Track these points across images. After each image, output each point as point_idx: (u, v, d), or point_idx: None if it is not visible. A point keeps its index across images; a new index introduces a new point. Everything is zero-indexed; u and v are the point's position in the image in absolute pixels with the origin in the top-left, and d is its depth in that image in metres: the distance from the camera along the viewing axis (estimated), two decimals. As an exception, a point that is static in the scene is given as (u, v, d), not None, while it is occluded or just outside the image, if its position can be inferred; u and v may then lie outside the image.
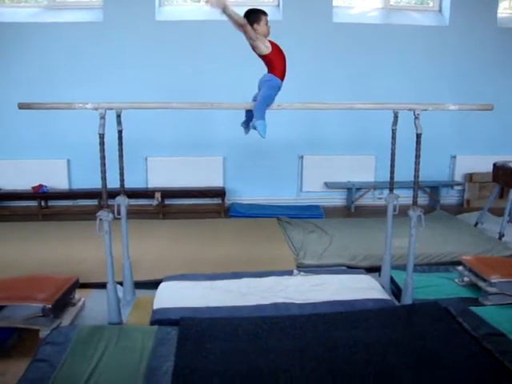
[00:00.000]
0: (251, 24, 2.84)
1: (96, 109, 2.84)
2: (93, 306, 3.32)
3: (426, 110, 3.02)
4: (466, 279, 3.60)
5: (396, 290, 3.55)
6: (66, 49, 6.09)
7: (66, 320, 3.04)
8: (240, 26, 2.82)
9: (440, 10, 6.63)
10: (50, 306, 2.85)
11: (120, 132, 3.29)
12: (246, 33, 2.84)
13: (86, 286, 3.58)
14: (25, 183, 6.07)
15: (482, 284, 3.38)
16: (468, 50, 6.47)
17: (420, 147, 3.00)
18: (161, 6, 6.33)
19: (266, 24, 2.91)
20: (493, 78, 6.52)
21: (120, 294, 3.34)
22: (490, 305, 3.24)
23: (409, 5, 6.95)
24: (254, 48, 2.93)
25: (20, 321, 2.82)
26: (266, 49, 2.90)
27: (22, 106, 2.96)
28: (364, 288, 3.41)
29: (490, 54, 6.50)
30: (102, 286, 3.21)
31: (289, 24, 5.98)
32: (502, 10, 6.81)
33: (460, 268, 3.71)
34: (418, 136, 2.97)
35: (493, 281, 3.29)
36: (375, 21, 6.51)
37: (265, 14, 2.93)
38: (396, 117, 3.36)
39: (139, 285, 3.62)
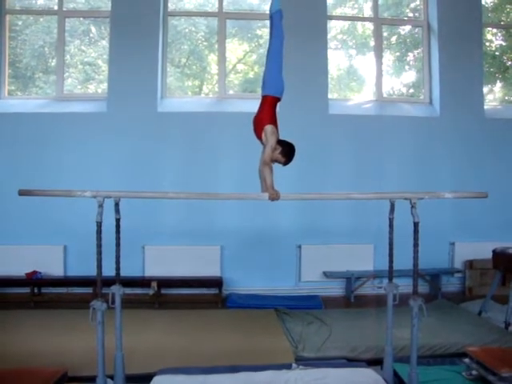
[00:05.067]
0: (281, 148, 3.23)
1: (94, 197, 2.87)
2: (80, 403, 3.15)
3: (422, 198, 3.05)
4: (474, 372, 3.42)
5: (400, 385, 3.39)
6: (70, 137, 6.29)
7: (50, 419, 2.86)
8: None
9: (431, 102, 6.94)
10: (34, 403, 2.70)
11: (118, 220, 3.29)
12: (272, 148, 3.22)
13: (75, 379, 3.42)
14: (19, 269, 5.97)
15: (492, 378, 3.21)
16: (459, 139, 6.70)
17: (418, 236, 3.00)
18: (162, 97, 6.62)
19: (278, 160, 3.27)
20: (486, 166, 6.68)
21: (110, 389, 3.17)
22: (502, 402, 3.07)
23: (401, 97, 7.28)
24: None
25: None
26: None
27: (22, 193, 2.98)
28: (366, 382, 3.25)
29: (480, 143, 6.72)
30: (92, 379, 3.06)
31: (287, 116, 6.21)
32: (488, 103, 7.15)
33: (467, 360, 3.55)
34: (416, 225, 2.98)
35: (504, 375, 3.13)
36: (369, 112, 6.79)
37: (289, 161, 3.32)
38: (392, 206, 3.39)
39: (131, 378, 3.46)
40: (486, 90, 7.17)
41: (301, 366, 3.57)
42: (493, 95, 7.52)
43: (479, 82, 6.82)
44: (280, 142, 3.24)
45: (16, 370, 3.16)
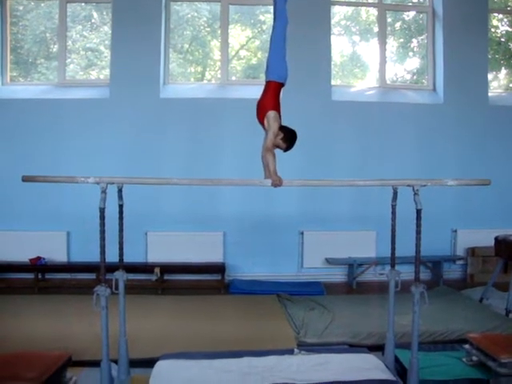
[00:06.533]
0: (283, 134, 3.20)
1: (98, 183, 2.87)
2: (85, 386, 3.18)
3: (424, 185, 3.05)
4: (474, 358, 3.44)
5: (401, 370, 3.41)
6: (72, 123, 6.27)
7: (55, 402, 2.89)
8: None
9: (434, 89, 6.89)
10: (39, 386, 2.72)
11: (121, 206, 3.30)
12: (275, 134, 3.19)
13: (79, 363, 3.45)
14: (23, 255, 6.00)
15: (491, 364, 3.22)
16: (463, 126, 6.66)
17: (420, 223, 2.99)
18: (165, 84, 6.59)
19: (279, 146, 3.23)
20: (489, 153, 6.66)
21: (114, 373, 3.20)
22: (502, 388, 3.08)
23: (404, 84, 7.24)
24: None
25: (6, 403, 2.68)
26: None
27: (26, 179, 2.98)
28: (367, 368, 3.27)
29: (483, 131, 6.69)
30: (96, 363, 3.09)
31: (290, 102, 6.19)
32: (492, 90, 7.10)
33: (467, 346, 3.57)
34: (418, 212, 2.97)
35: (503, 361, 3.14)
36: (372, 99, 6.75)
37: (291, 147, 3.29)
38: (395, 193, 3.38)
39: (135, 363, 3.48)
40: (490, 76, 7.11)
41: (303, 352, 3.59)
42: (497, 82, 7.46)
43: (484, 68, 6.77)
44: (282, 128, 3.24)
45: (21, 354, 3.18)
